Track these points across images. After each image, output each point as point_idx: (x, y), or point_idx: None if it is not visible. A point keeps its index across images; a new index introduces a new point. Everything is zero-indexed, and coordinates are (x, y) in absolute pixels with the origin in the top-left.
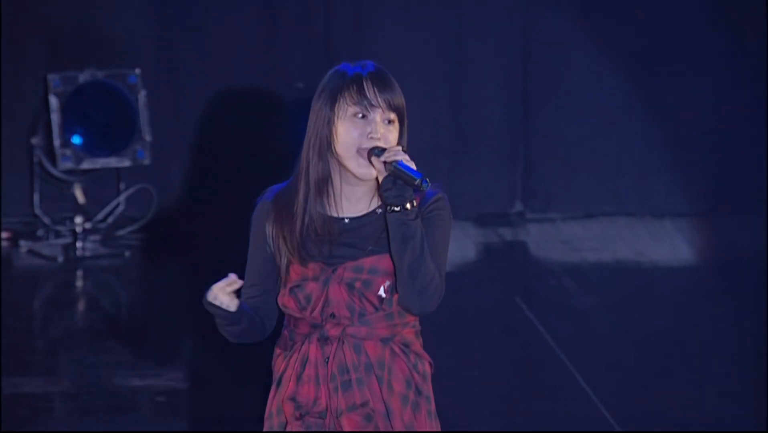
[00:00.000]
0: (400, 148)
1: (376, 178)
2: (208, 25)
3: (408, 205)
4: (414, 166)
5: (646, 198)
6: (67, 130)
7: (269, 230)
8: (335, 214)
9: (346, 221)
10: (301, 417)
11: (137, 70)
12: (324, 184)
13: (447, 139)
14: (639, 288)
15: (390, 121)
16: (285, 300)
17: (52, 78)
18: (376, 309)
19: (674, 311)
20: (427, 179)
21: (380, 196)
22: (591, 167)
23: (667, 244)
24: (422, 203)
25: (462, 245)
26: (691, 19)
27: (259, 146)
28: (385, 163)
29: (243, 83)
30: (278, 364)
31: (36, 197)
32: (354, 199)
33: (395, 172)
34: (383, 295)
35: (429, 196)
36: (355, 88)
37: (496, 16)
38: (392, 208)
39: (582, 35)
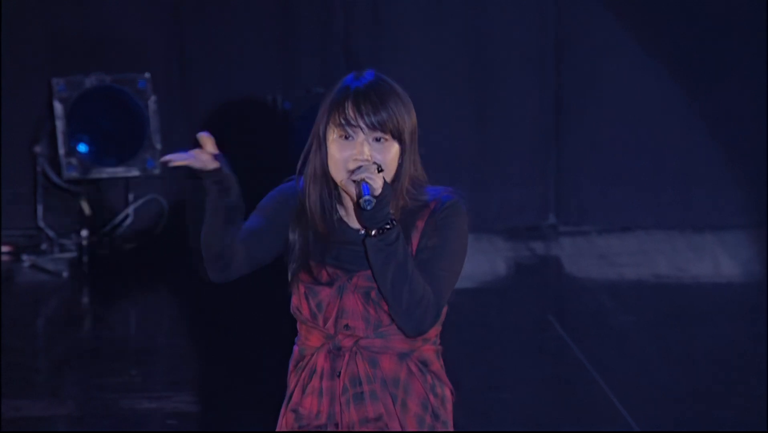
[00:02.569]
0: (374, 166)
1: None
2: (222, 26)
3: (387, 228)
4: (377, 185)
5: (686, 210)
6: (72, 138)
7: (289, 224)
8: (352, 225)
9: (362, 231)
10: (299, 429)
11: (147, 75)
12: (329, 208)
13: (473, 147)
14: (679, 305)
15: (380, 140)
16: (298, 304)
17: (57, 82)
18: (392, 320)
19: (716, 328)
20: (373, 200)
21: (356, 218)
22: (628, 177)
23: (708, 258)
24: (435, 210)
25: (491, 259)
26: (737, 22)
27: (277, 154)
28: (355, 182)
29: (258, 88)
30: (291, 380)
31: (39, 209)
32: None
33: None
34: None
35: (444, 201)
36: (337, 109)
37: (525, 16)
38: (369, 231)
39: (619, 39)
